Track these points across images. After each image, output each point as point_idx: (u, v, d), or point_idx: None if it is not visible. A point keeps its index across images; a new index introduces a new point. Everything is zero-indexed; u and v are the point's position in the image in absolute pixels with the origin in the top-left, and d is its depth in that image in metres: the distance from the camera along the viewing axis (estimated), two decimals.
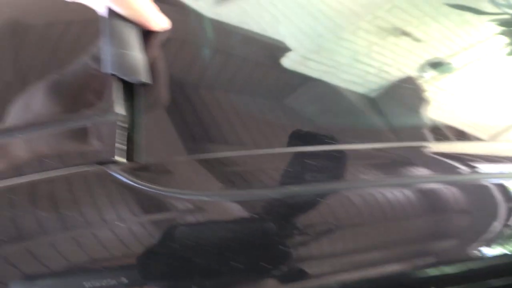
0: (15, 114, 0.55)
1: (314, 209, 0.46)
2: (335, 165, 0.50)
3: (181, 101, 0.56)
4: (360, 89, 0.63)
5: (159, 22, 0.62)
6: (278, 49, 0.67)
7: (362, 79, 0.65)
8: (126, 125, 0.52)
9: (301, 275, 0.43)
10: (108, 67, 0.55)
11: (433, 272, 0.47)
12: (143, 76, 0.56)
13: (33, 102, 0.56)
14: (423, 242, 0.47)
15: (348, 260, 0.45)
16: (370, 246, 0.46)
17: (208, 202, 0.45)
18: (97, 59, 0.57)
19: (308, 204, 0.46)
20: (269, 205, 0.45)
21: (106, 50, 0.56)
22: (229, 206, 0.45)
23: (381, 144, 0.55)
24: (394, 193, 0.48)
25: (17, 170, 0.48)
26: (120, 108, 0.53)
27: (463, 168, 0.53)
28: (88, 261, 0.42)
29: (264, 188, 0.47)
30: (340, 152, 0.52)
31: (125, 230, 0.43)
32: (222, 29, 0.69)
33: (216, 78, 0.60)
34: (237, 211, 0.45)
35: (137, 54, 0.57)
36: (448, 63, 0.72)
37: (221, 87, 0.59)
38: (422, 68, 0.70)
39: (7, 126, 0.54)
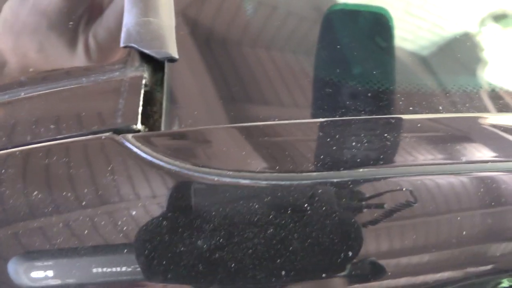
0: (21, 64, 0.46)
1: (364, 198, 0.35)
2: (387, 143, 0.38)
3: (219, 59, 0.46)
4: (411, 47, 0.53)
5: None
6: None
7: (414, 35, 0.55)
8: (149, 84, 0.42)
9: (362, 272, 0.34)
10: (128, 38, 0.44)
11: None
12: (171, 48, 0.44)
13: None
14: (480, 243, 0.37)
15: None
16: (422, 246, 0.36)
17: (248, 186, 0.34)
18: None
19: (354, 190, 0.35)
20: (315, 191, 0.34)
21: (127, 18, 0.45)
22: (271, 191, 0.34)
23: (435, 115, 0.44)
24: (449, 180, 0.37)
25: (13, 137, 0.38)
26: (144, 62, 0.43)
27: None
28: (92, 244, 0.33)
29: (311, 171, 0.35)
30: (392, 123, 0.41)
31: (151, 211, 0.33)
32: None
33: (258, 36, 0.50)
34: (281, 198, 0.34)
35: (164, 21, 0.45)
36: None
37: (263, 46, 0.49)
38: (482, 22, 0.59)
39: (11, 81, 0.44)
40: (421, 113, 0.44)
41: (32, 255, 0.33)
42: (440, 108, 0.44)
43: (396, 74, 0.49)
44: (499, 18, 0.60)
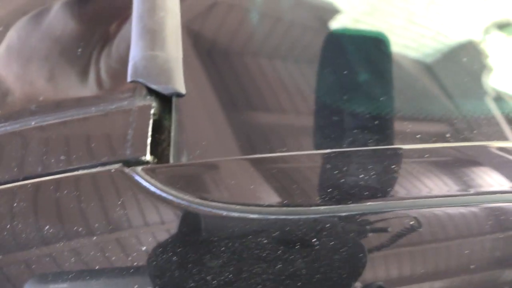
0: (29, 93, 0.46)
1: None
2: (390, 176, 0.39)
3: (228, 88, 0.46)
4: (415, 54, 0.54)
5: None
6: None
7: (418, 43, 0.55)
8: (157, 114, 0.42)
9: None
10: (135, 73, 0.44)
11: None
12: (178, 83, 0.44)
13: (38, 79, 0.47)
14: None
15: None
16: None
17: (256, 221, 0.34)
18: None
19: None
20: (324, 225, 0.34)
21: (133, 51, 0.45)
22: (280, 225, 0.34)
23: (442, 144, 0.44)
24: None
25: (24, 168, 0.39)
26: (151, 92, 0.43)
27: None
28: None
29: (319, 204, 0.35)
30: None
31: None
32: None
33: (269, 65, 0.50)
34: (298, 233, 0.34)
35: (171, 55, 0.45)
36: None
37: (275, 76, 0.49)
38: (486, 30, 0.58)
39: (19, 110, 0.45)
40: (427, 139, 0.44)
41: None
42: (448, 135, 0.44)
43: (398, 98, 0.49)
44: (502, 26, 0.60)
